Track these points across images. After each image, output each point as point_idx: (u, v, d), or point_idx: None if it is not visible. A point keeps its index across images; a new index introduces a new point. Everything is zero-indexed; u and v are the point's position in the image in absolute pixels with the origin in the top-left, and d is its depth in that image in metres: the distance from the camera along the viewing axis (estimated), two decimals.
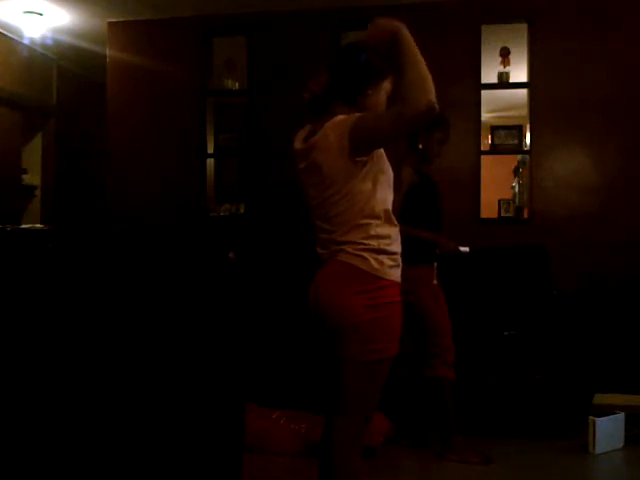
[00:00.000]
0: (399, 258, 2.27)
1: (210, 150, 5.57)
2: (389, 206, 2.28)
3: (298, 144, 2.34)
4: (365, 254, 2.18)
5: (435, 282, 3.74)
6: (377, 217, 2.22)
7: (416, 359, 3.74)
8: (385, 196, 2.26)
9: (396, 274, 2.24)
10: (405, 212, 3.47)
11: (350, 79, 2.29)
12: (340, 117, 2.22)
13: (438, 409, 3.72)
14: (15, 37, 5.89)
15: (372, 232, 2.20)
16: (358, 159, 2.18)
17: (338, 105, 2.28)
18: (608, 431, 3.80)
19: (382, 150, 2.28)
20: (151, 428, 2.33)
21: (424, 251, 3.69)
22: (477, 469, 3.59)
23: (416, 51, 2.19)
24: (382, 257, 2.20)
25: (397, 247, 2.27)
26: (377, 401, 2.32)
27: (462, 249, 3.76)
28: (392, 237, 2.25)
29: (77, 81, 6.85)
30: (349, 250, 2.19)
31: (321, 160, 2.22)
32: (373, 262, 2.18)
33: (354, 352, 2.18)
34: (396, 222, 2.29)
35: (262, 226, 5.30)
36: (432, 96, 2.08)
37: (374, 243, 2.19)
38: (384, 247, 2.21)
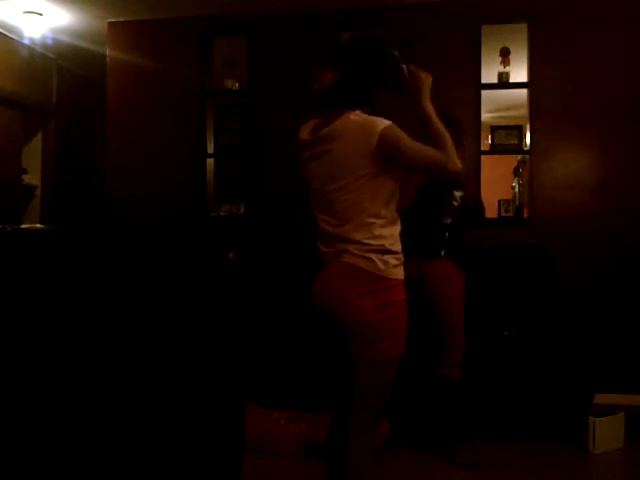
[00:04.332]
0: (402, 256, 2.29)
1: (210, 150, 5.56)
2: (394, 209, 2.29)
3: (305, 135, 2.34)
4: (370, 255, 2.20)
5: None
6: (382, 217, 2.24)
7: (425, 356, 3.75)
8: (392, 200, 2.28)
9: (400, 272, 2.26)
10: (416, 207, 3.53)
11: (363, 74, 2.29)
12: (359, 115, 2.23)
13: (441, 408, 3.73)
14: (15, 37, 5.89)
15: (376, 232, 2.22)
16: (378, 163, 2.20)
17: (346, 108, 2.27)
18: (608, 431, 3.80)
19: None
20: (151, 428, 2.33)
21: (440, 245, 3.72)
22: (477, 469, 3.58)
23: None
24: (387, 257, 2.21)
25: (400, 246, 2.29)
26: (386, 399, 2.33)
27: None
28: (395, 236, 2.27)
29: (77, 81, 6.85)
30: (354, 251, 2.20)
31: (337, 150, 2.22)
32: (379, 263, 2.19)
33: (363, 351, 2.20)
34: (399, 222, 2.31)
35: (262, 226, 5.30)
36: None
37: (379, 243, 2.21)
38: (389, 247, 2.23)
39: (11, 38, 5.90)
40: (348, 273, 2.21)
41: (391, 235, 2.25)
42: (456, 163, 2.28)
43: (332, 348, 2.30)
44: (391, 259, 2.22)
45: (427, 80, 2.39)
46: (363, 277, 2.19)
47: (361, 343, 2.19)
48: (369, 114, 2.26)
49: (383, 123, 2.19)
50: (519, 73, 5.10)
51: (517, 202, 5.22)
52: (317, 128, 2.31)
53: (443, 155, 2.26)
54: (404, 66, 2.36)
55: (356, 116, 2.23)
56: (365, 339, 2.18)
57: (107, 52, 5.69)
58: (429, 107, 2.35)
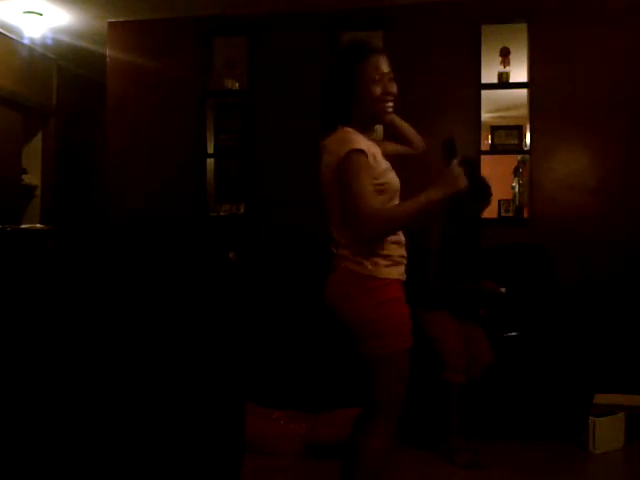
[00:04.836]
0: (397, 258, 2.33)
1: (210, 150, 5.56)
2: None
3: (322, 140, 2.45)
4: (359, 258, 2.29)
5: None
6: None
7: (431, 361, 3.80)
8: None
9: (393, 272, 2.32)
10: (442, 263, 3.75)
11: (330, 91, 2.40)
12: (345, 132, 2.30)
13: (443, 409, 3.76)
14: (15, 37, 5.89)
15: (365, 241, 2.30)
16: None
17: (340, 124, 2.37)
18: (608, 431, 3.80)
19: (384, 167, 2.32)
20: (151, 428, 2.33)
21: (439, 298, 3.83)
22: (477, 469, 3.58)
23: (421, 208, 2.23)
24: (376, 259, 2.29)
25: (393, 250, 2.32)
26: (398, 400, 2.35)
27: (501, 290, 3.87)
28: (387, 241, 2.31)
29: (77, 81, 6.85)
30: (348, 256, 2.31)
31: (324, 164, 2.35)
32: (368, 264, 2.28)
33: (367, 349, 2.28)
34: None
35: (262, 226, 5.30)
36: (380, 233, 2.25)
37: (369, 248, 2.29)
38: (378, 251, 2.29)
39: (11, 38, 5.90)
40: (346, 275, 2.31)
41: (383, 241, 2.30)
42: (370, 235, 2.22)
43: (346, 349, 2.37)
44: (381, 261, 2.29)
45: (454, 182, 2.22)
46: (358, 278, 2.29)
47: (363, 341, 2.28)
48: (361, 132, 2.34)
49: (352, 146, 2.24)
50: (519, 73, 5.09)
51: (517, 202, 5.21)
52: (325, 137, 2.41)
53: (374, 218, 2.18)
54: (455, 160, 2.26)
55: (343, 133, 2.30)
56: (365, 336, 2.27)
57: (107, 52, 5.69)
58: (427, 199, 2.23)
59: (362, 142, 2.27)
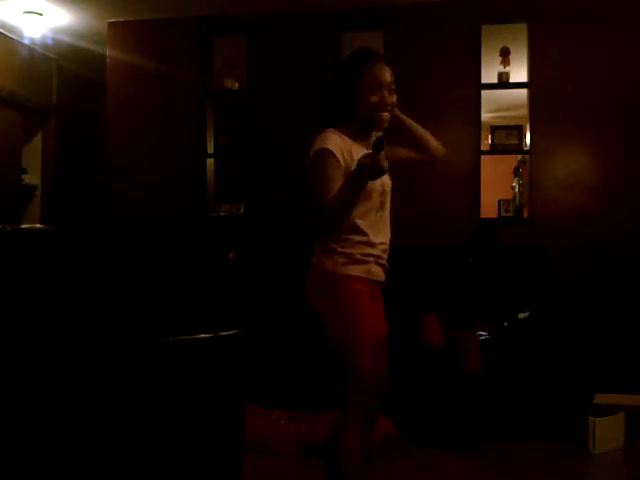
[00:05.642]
0: (359, 256, 2.33)
1: (210, 150, 5.57)
2: (354, 217, 2.32)
3: None
4: (320, 254, 2.36)
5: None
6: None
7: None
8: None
9: (353, 269, 2.33)
10: None
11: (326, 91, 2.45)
12: (326, 132, 2.34)
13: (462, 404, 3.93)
14: (15, 37, 5.89)
15: (328, 239, 2.35)
16: None
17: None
18: (608, 431, 3.80)
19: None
20: (151, 428, 2.33)
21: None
22: (477, 469, 3.59)
23: (344, 193, 2.20)
24: (336, 257, 2.33)
25: (356, 249, 2.33)
26: (368, 390, 2.34)
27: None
28: (351, 241, 2.33)
29: (77, 81, 6.85)
30: (315, 252, 2.38)
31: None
32: (327, 262, 2.33)
33: (328, 339, 2.35)
34: (360, 231, 2.34)
35: (262, 226, 5.30)
36: (329, 223, 2.30)
37: (331, 247, 2.33)
38: (336, 249, 2.33)
39: (11, 38, 5.90)
40: (311, 272, 2.40)
41: (346, 239, 2.32)
42: (324, 228, 2.32)
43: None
44: (339, 258, 2.32)
45: (376, 171, 2.13)
46: (318, 274, 2.36)
47: (325, 331, 2.35)
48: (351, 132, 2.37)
49: (321, 145, 2.28)
50: (519, 73, 5.10)
51: (517, 202, 5.22)
52: None
53: (320, 210, 2.24)
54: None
55: (324, 133, 2.33)
56: (328, 329, 2.33)
57: (107, 52, 5.70)
58: (350, 184, 2.21)
59: (335, 142, 2.29)
